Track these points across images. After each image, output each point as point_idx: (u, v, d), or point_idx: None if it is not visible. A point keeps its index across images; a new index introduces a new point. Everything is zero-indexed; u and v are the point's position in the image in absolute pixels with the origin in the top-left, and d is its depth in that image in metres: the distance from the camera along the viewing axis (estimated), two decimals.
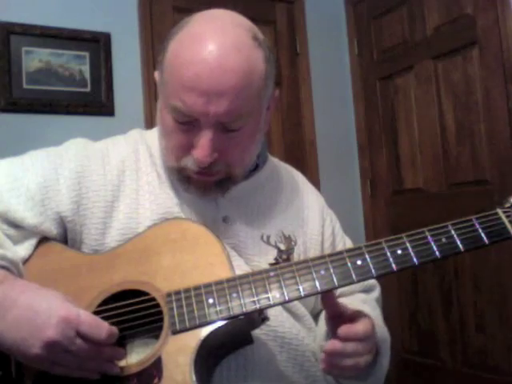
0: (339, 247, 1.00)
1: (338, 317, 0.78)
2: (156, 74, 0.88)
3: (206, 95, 0.76)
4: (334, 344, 0.76)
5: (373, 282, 1.02)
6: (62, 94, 2.37)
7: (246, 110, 0.80)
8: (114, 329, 0.71)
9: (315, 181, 2.79)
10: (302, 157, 2.90)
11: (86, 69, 2.43)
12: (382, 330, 0.88)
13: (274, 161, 1.04)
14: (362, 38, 3.05)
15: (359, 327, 0.77)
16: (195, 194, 0.87)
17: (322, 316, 0.93)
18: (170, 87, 0.80)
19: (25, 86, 2.30)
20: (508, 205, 0.80)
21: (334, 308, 0.78)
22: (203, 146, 0.79)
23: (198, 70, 0.76)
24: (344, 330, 0.76)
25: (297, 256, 0.91)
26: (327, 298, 0.77)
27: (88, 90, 2.43)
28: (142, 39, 2.55)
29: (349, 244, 1.03)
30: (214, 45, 0.77)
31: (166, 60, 0.81)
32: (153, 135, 0.95)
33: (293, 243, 0.91)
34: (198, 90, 0.76)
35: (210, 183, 0.85)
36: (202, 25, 0.81)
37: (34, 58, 2.33)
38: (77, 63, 2.42)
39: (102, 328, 0.69)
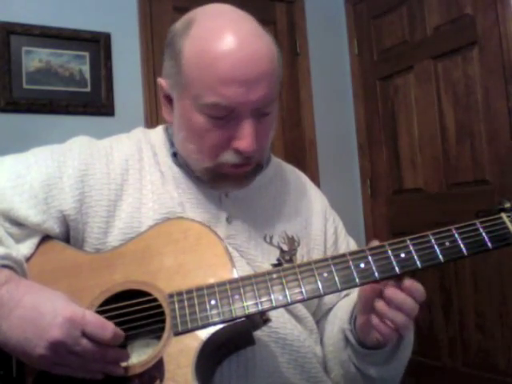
0: (342, 247, 0.99)
1: (377, 292, 0.76)
2: (162, 81, 0.86)
3: (245, 84, 0.77)
4: (396, 292, 0.73)
5: None
6: (62, 94, 2.37)
7: (275, 93, 0.82)
8: (120, 330, 0.70)
9: (315, 181, 2.78)
10: (302, 157, 2.90)
11: (86, 69, 2.43)
12: None
13: (278, 161, 1.03)
14: (362, 37, 3.05)
15: (420, 286, 0.74)
16: (230, 189, 0.88)
17: (342, 302, 0.93)
18: (201, 86, 0.78)
19: (25, 85, 2.30)
20: (508, 205, 0.80)
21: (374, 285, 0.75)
22: (248, 136, 0.79)
23: (233, 60, 0.76)
24: (408, 283, 0.73)
25: (300, 257, 0.90)
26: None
27: (88, 89, 2.43)
28: (142, 39, 2.55)
29: (352, 245, 1.02)
30: (238, 35, 0.78)
31: (186, 60, 0.80)
32: (156, 134, 0.95)
33: (296, 244, 0.91)
34: (237, 80, 0.76)
35: (244, 174, 0.85)
36: (213, 20, 0.81)
37: (34, 58, 2.33)
38: (77, 63, 2.41)
39: (107, 328, 0.68)
